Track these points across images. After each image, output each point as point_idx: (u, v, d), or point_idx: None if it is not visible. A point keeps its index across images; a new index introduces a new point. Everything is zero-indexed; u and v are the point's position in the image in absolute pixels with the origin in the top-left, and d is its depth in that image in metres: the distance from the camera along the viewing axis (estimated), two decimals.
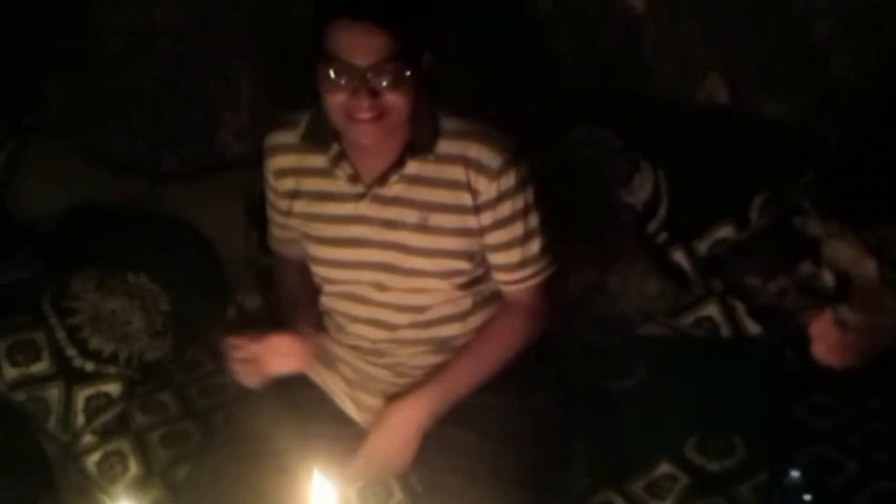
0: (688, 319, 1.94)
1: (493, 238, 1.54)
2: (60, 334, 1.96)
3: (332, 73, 1.40)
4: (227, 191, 2.29)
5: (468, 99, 2.28)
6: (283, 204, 1.63)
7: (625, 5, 2.16)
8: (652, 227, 2.01)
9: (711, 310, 1.92)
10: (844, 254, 1.79)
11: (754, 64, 2.10)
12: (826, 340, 1.78)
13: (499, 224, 1.53)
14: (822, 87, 2.07)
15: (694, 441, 1.68)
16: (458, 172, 1.50)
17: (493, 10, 2.28)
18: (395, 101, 1.42)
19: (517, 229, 1.54)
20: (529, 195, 1.53)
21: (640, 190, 2.02)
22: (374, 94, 1.40)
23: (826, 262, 1.81)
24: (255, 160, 1.71)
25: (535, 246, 1.56)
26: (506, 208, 1.51)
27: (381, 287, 1.57)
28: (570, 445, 1.68)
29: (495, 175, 1.49)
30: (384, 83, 1.40)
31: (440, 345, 1.60)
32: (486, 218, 1.52)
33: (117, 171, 2.65)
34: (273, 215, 1.69)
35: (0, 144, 2.68)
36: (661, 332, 1.97)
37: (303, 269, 1.69)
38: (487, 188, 1.49)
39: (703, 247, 1.99)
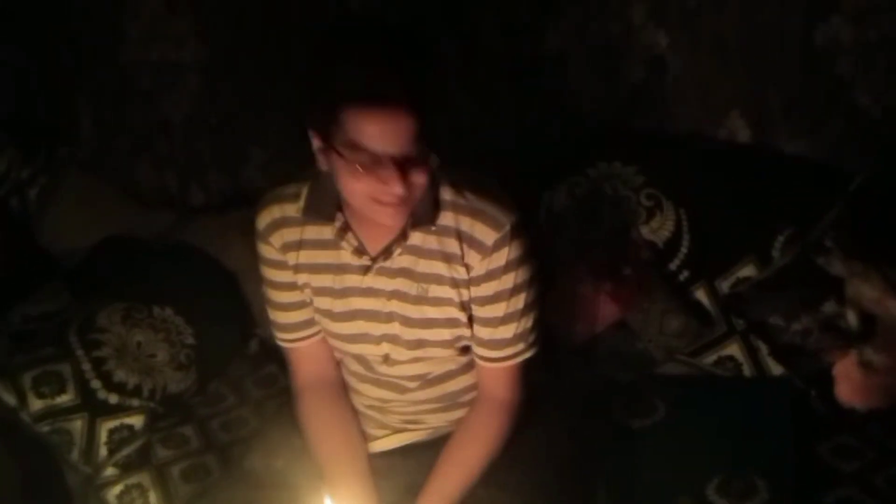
0: (710, 358, 1.92)
1: (475, 312, 1.51)
2: (86, 366, 1.98)
3: (360, 167, 1.32)
4: (251, 225, 2.31)
5: (490, 135, 2.33)
6: (289, 277, 1.55)
7: (646, 42, 2.17)
8: (673, 265, 2.01)
9: (734, 349, 1.91)
10: (868, 294, 1.77)
11: (776, 101, 2.09)
12: (850, 382, 1.76)
13: (481, 301, 1.49)
14: (846, 123, 2.05)
15: (716, 482, 1.67)
16: (453, 245, 1.46)
17: (515, 46, 2.29)
18: (421, 180, 1.36)
19: (498, 309, 1.49)
20: (521, 275, 1.48)
21: (662, 228, 2.02)
22: (406, 179, 1.33)
23: (850, 302, 1.79)
24: None
25: (511, 329, 1.50)
26: (491, 287, 1.47)
27: (387, 360, 1.55)
28: (592, 485, 1.67)
29: (487, 252, 1.44)
30: (414, 167, 1.34)
31: (451, 400, 1.60)
32: (473, 292, 1.49)
33: (146, 204, 2.69)
34: (276, 297, 1.59)
35: (33, 178, 2.74)
36: (683, 371, 1.95)
37: (331, 382, 1.62)
38: (479, 264, 1.46)
39: (724, 286, 1.97)
